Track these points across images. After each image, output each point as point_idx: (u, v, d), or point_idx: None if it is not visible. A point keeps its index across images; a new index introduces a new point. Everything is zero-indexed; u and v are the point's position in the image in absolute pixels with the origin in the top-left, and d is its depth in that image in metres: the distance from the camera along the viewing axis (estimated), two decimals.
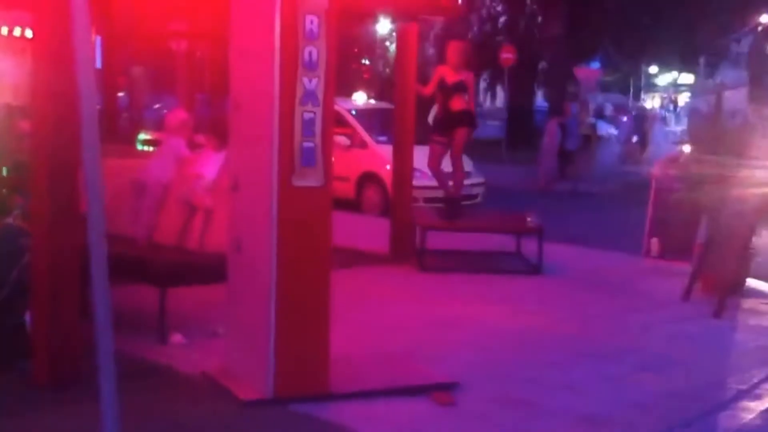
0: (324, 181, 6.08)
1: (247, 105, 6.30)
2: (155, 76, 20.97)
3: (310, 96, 5.93)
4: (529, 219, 11.98)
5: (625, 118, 40.18)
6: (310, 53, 5.90)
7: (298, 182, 5.99)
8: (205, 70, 18.48)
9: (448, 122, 12.13)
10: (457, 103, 12.06)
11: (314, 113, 5.96)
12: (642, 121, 38.32)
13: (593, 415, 6.35)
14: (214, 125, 9.17)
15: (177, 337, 7.61)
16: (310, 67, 5.92)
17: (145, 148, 15.22)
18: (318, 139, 6.00)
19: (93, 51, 4.41)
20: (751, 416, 6.58)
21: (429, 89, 12.23)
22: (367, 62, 46.32)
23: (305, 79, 5.91)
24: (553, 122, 26.28)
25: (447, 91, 12.03)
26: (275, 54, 5.88)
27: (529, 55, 35.52)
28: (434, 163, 12.38)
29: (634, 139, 36.02)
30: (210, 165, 8.46)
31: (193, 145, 9.37)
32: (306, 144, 5.97)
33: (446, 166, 12.56)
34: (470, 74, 12.47)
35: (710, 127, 11.09)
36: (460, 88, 12.06)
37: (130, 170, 8.91)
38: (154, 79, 21.33)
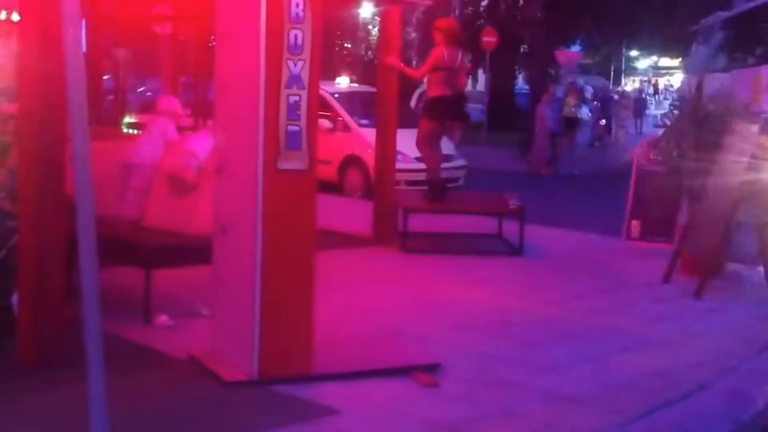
0: (309, 165, 6.10)
1: (232, 88, 6.32)
2: (139, 59, 20.87)
3: (295, 79, 5.95)
4: (510, 201, 12.04)
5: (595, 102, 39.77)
6: (295, 36, 5.91)
7: (283, 165, 6.01)
8: (188, 53, 18.41)
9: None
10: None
11: (299, 96, 5.98)
12: (609, 104, 37.89)
13: (575, 396, 6.39)
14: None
15: (162, 319, 7.64)
16: (296, 50, 5.93)
17: (130, 131, 15.22)
18: (303, 122, 6.02)
19: (80, 35, 4.43)
20: (733, 396, 6.63)
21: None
22: (349, 45, 46.24)
23: (290, 63, 5.93)
24: (543, 106, 26.21)
25: (454, 72, 12.07)
26: (260, 37, 5.90)
27: (511, 38, 35.51)
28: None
29: (603, 122, 35.76)
30: (204, 144, 8.43)
31: (180, 128, 9.36)
32: (291, 127, 5.99)
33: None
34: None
35: (692, 111, 11.05)
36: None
37: (115, 152, 8.89)
38: (138, 62, 21.23)
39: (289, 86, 5.95)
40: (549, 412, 6.11)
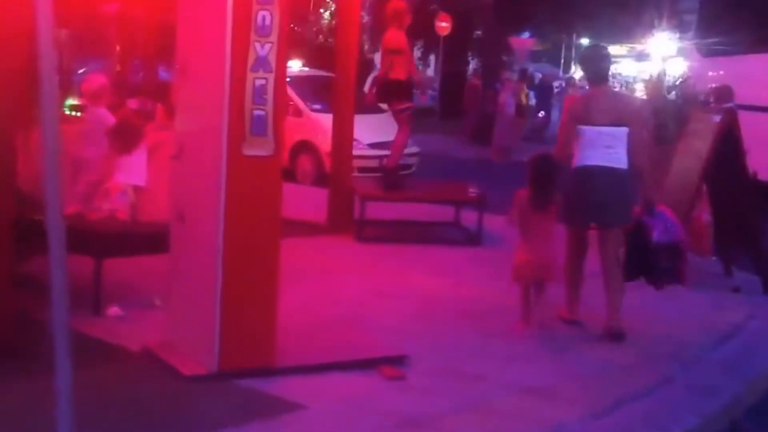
0: (274, 151, 5.93)
1: (194, 70, 6.13)
2: (84, 39, 20.58)
3: (262, 62, 5.76)
4: (470, 189, 11.94)
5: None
6: (263, 18, 5.72)
7: (248, 151, 5.83)
8: (136, 34, 18.16)
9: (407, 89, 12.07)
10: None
11: (266, 80, 5.79)
12: (548, 93, 36.23)
13: (540, 387, 6.36)
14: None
15: (113, 310, 7.43)
16: (263, 32, 5.74)
17: (73, 113, 14.99)
18: (269, 107, 5.83)
19: (52, 20, 4.17)
20: (697, 389, 6.61)
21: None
22: (298, 30, 45.96)
23: (257, 45, 5.74)
24: (504, 92, 25.88)
25: (392, 54, 11.92)
26: (227, 18, 5.70)
27: (464, 24, 35.46)
28: None
29: (541, 113, 34.26)
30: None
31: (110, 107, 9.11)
32: (257, 112, 5.80)
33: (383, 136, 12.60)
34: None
35: (650, 99, 11.03)
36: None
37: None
38: (82, 43, 20.93)
39: (255, 69, 5.76)
40: (515, 404, 6.07)
